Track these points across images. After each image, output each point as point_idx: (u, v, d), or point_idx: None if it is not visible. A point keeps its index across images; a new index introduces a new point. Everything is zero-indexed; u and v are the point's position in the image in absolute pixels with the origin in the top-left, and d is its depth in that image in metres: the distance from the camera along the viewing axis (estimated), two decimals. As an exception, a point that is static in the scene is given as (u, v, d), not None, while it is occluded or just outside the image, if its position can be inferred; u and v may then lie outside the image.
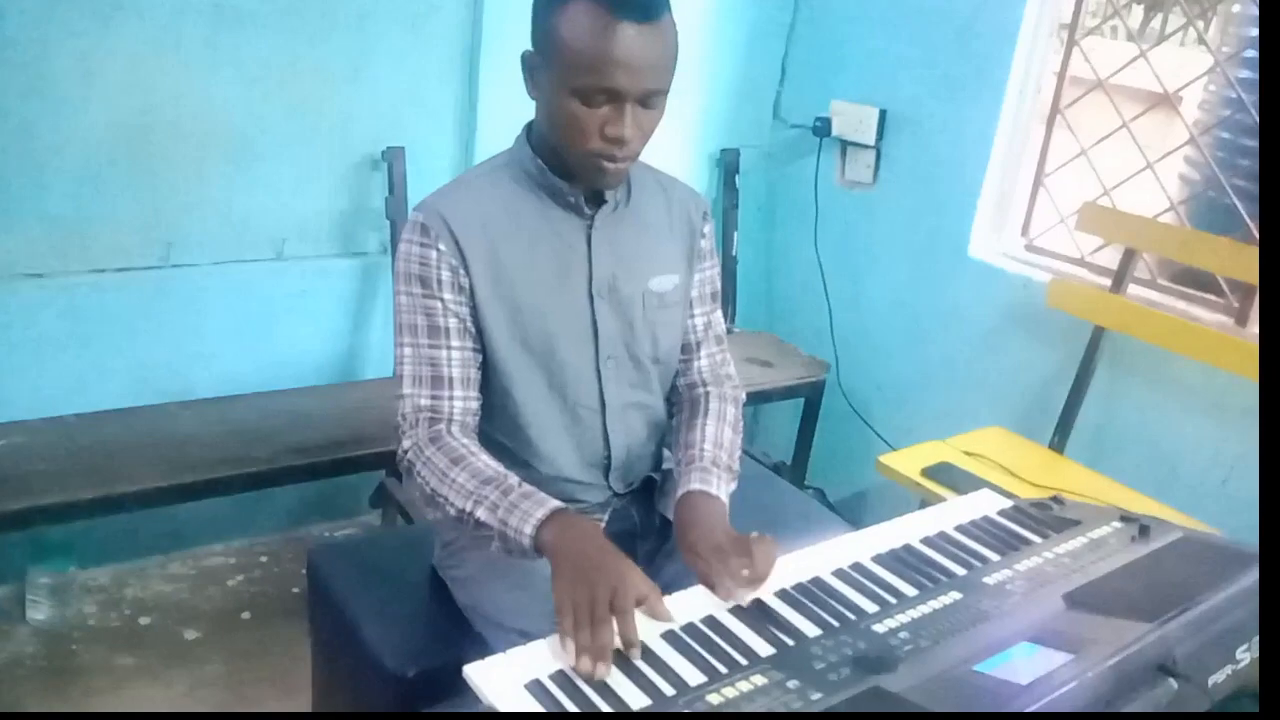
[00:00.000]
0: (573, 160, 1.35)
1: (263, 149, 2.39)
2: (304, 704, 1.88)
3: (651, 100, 1.31)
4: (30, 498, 1.92)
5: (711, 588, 1.22)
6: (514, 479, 1.31)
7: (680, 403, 1.60)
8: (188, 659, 2.24)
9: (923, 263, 2.81)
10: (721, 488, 1.43)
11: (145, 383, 2.34)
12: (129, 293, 2.32)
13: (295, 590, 2.50)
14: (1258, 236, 2.26)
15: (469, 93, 2.60)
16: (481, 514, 1.27)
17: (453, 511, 1.30)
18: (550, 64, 1.29)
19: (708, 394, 1.57)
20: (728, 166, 3.07)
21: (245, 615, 2.42)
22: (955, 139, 2.69)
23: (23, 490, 1.92)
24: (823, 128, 2.95)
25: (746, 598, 1.21)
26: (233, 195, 2.39)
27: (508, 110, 2.53)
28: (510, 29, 2.52)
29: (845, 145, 2.95)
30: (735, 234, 3.08)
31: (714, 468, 1.45)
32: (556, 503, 1.27)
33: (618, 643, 1.08)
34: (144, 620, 2.36)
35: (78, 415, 2.18)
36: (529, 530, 1.23)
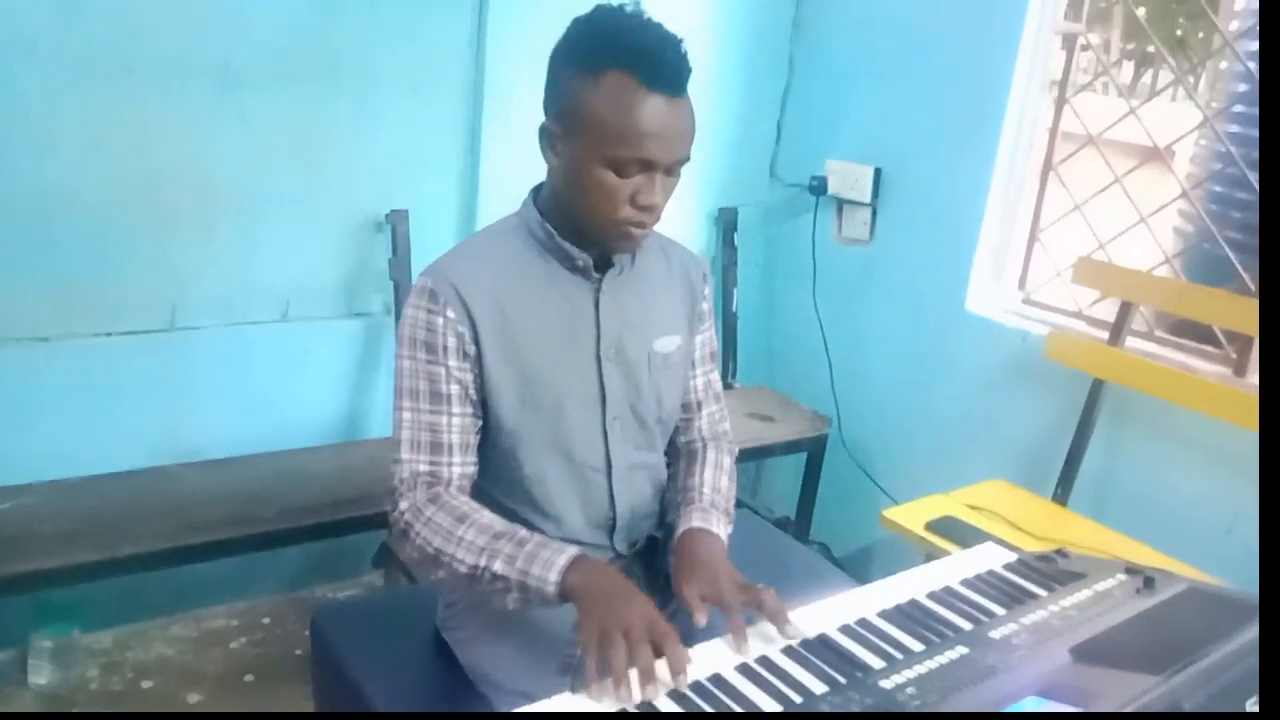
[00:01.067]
0: (597, 227, 1.36)
1: (268, 211, 2.43)
2: (307, 768, 1.87)
3: (676, 168, 1.35)
4: (34, 561, 1.91)
5: (694, 619, 1.25)
6: (524, 531, 1.32)
7: (676, 456, 1.63)
8: (189, 724, 2.23)
9: (921, 317, 2.83)
10: (720, 528, 1.45)
11: (150, 444, 2.35)
12: (134, 355, 2.33)
13: (298, 652, 2.48)
14: (1253, 288, 2.28)
15: (472, 155, 2.65)
16: (498, 567, 1.28)
17: (463, 569, 1.30)
18: (578, 135, 1.31)
19: (704, 446, 1.61)
20: (726, 225, 3.12)
21: (248, 678, 2.40)
22: (950, 195, 2.73)
23: (26, 554, 1.92)
24: (819, 186, 2.99)
25: (751, 648, 1.22)
26: (238, 256, 2.42)
27: (510, 173, 2.59)
28: (512, 93, 2.59)
29: (841, 203, 3.00)
30: (735, 291, 3.11)
31: (712, 509, 1.48)
32: (575, 548, 1.29)
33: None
34: (146, 684, 2.34)
35: (82, 478, 2.18)
36: (554, 577, 1.24)
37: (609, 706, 1.08)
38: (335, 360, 2.64)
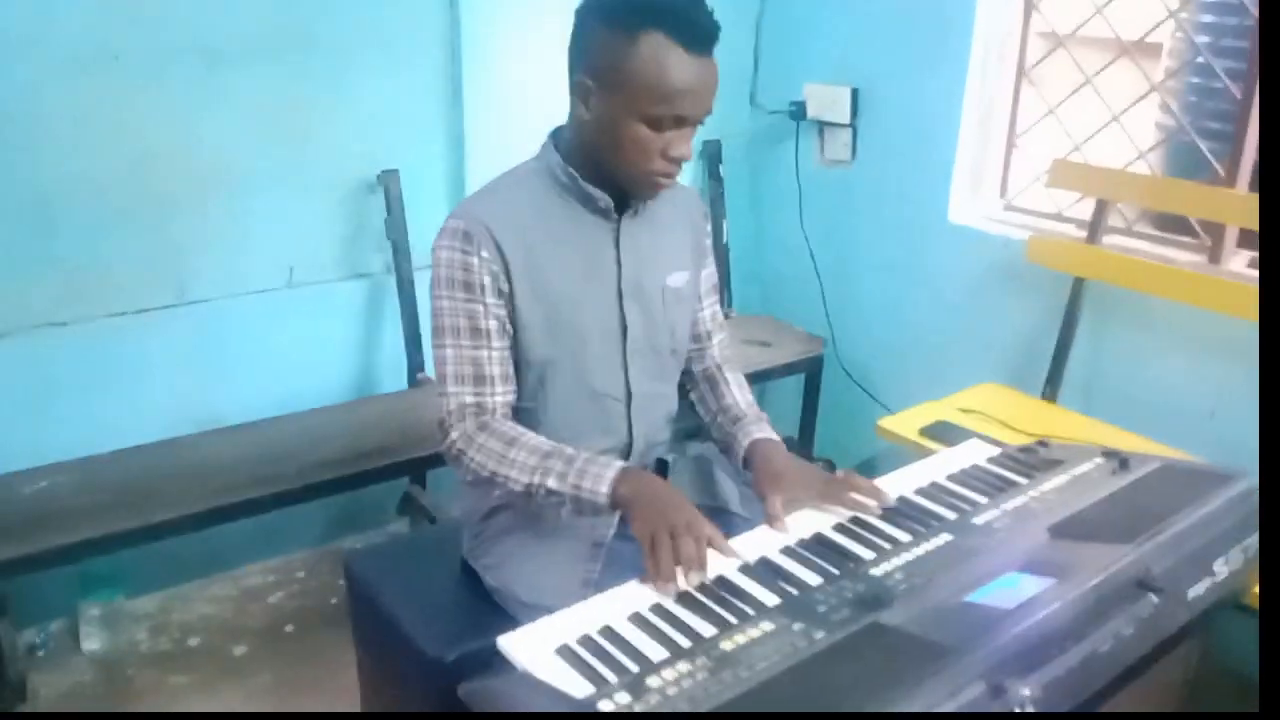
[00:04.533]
0: (629, 178, 1.45)
1: (263, 182, 2.50)
2: (352, 703, 1.98)
3: (703, 120, 1.43)
4: (75, 533, 2.03)
5: (772, 522, 1.40)
6: (570, 449, 1.43)
7: (696, 383, 1.75)
8: (238, 673, 2.35)
9: (906, 232, 2.90)
10: (776, 436, 1.61)
11: (172, 416, 2.45)
12: (148, 332, 2.43)
13: (334, 601, 2.60)
14: (1224, 176, 2.34)
15: (455, 111, 2.70)
16: (552, 483, 1.40)
17: (518, 487, 1.42)
18: (614, 92, 1.38)
19: (721, 370, 1.74)
20: (711, 158, 3.17)
21: (289, 628, 2.52)
22: (927, 109, 2.78)
23: (68, 527, 2.03)
24: (798, 111, 3.04)
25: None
26: (238, 229, 2.50)
27: (494, 125, 2.66)
28: (489, 47, 2.63)
29: (822, 126, 3.04)
30: (725, 222, 3.17)
31: (762, 420, 1.64)
32: (621, 462, 1.42)
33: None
34: (193, 641, 2.47)
35: (110, 452, 2.28)
36: (605, 489, 1.38)
37: (669, 592, 1.23)
38: (342, 321, 2.73)
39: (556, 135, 1.54)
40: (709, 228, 1.72)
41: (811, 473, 1.51)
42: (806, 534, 1.38)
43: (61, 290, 2.30)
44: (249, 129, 2.45)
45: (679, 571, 1.25)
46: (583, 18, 1.43)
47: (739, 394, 1.71)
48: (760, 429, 1.62)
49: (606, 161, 1.45)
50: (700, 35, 1.37)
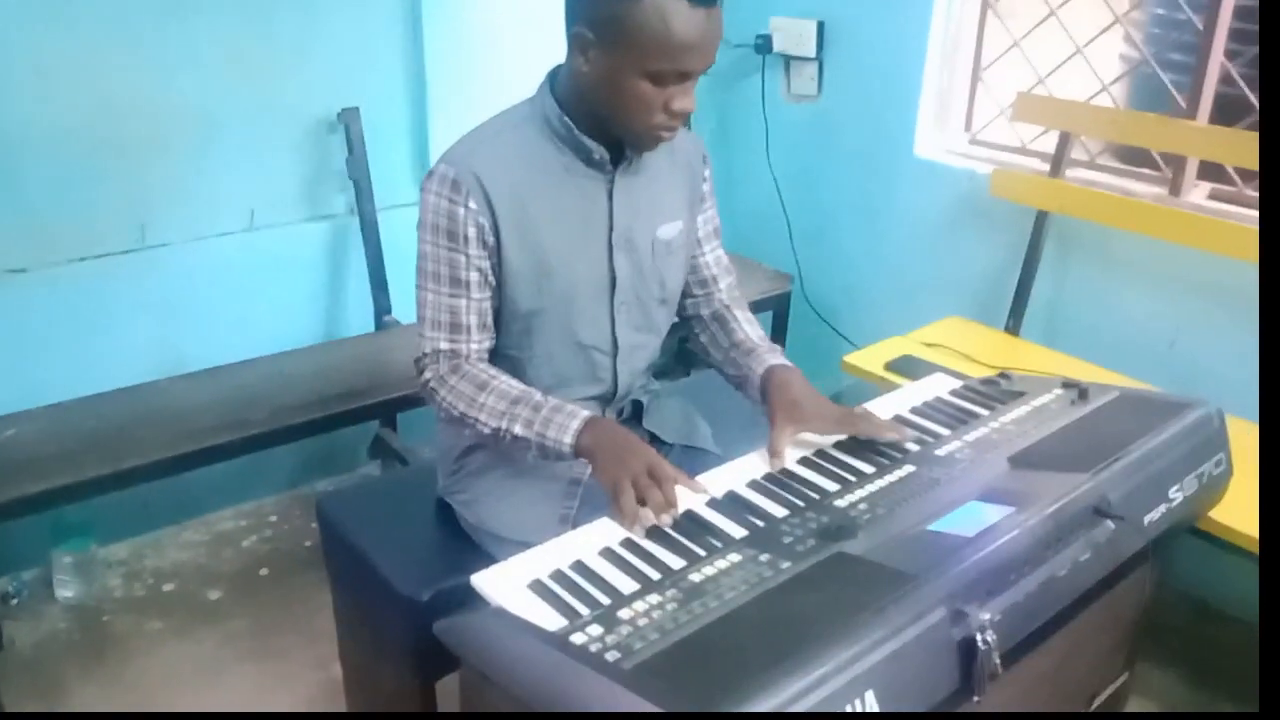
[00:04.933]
0: (630, 132, 1.42)
1: (223, 124, 2.46)
2: (329, 645, 2.01)
3: (707, 70, 1.40)
4: (45, 481, 2.01)
5: (775, 454, 1.43)
6: (538, 395, 1.45)
7: (706, 325, 1.73)
8: (214, 617, 2.37)
9: (872, 167, 2.90)
10: (791, 365, 1.60)
11: (138, 361, 2.43)
12: (111, 277, 2.40)
13: (307, 544, 2.61)
14: (1185, 108, 2.35)
15: (415, 47, 2.65)
16: (518, 429, 1.41)
17: (486, 431, 1.44)
18: (617, 47, 1.34)
19: (730, 309, 1.73)
20: (677, 93, 3.13)
21: (263, 572, 2.54)
22: (892, 42, 2.76)
23: (38, 475, 2.02)
24: (764, 45, 3.01)
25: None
26: (200, 172, 2.46)
27: (455, 61, 2.62)
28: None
29: (788, 60, 3.02)
30: (691, 158, 3.15)
31: (776, 349, 1.64)
32: (586, 412, 1.42)
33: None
34: (167, 587, 2.48)
35: (78, 399, 2.26)
36: (568, 439, 1.39)
37: (637, 534, 1.26)
38: (306, 264, 2.70)
39: (553, 79, 1.50)
40: (708, 171, 1.68)
41: (827, 403, 1.51)
42: (773, 467, 1.41)
43: (22, 237, 2.27)
44: (207, 71, 2.40)
45: (648, 514, 1.27)
46: None
47: (750, 329, 1.69)
48: (775, 357, 1.61)
49: (605, 115, 1.42)
50: None
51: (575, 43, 1.40)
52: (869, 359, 2.33)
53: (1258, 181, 2.30)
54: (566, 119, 1.46)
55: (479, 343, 1.50)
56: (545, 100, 1.48)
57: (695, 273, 1.70)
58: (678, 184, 1.62)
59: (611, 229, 1.53)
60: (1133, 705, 1.87)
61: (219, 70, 2.41)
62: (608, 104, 1.40)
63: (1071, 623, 1.26)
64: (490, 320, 1.51)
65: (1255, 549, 1.71)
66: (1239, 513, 1.70)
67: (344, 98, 2.59)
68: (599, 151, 1.48)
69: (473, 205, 1.43)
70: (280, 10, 2.45)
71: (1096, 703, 1.61)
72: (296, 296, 2.70)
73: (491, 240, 1.46)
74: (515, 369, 1.55)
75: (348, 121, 2.59)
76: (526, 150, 1.48)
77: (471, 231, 1.44)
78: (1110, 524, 1.27)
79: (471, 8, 2.59)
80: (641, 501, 1.28)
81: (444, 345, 1.48)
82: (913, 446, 1.44)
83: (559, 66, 1.48)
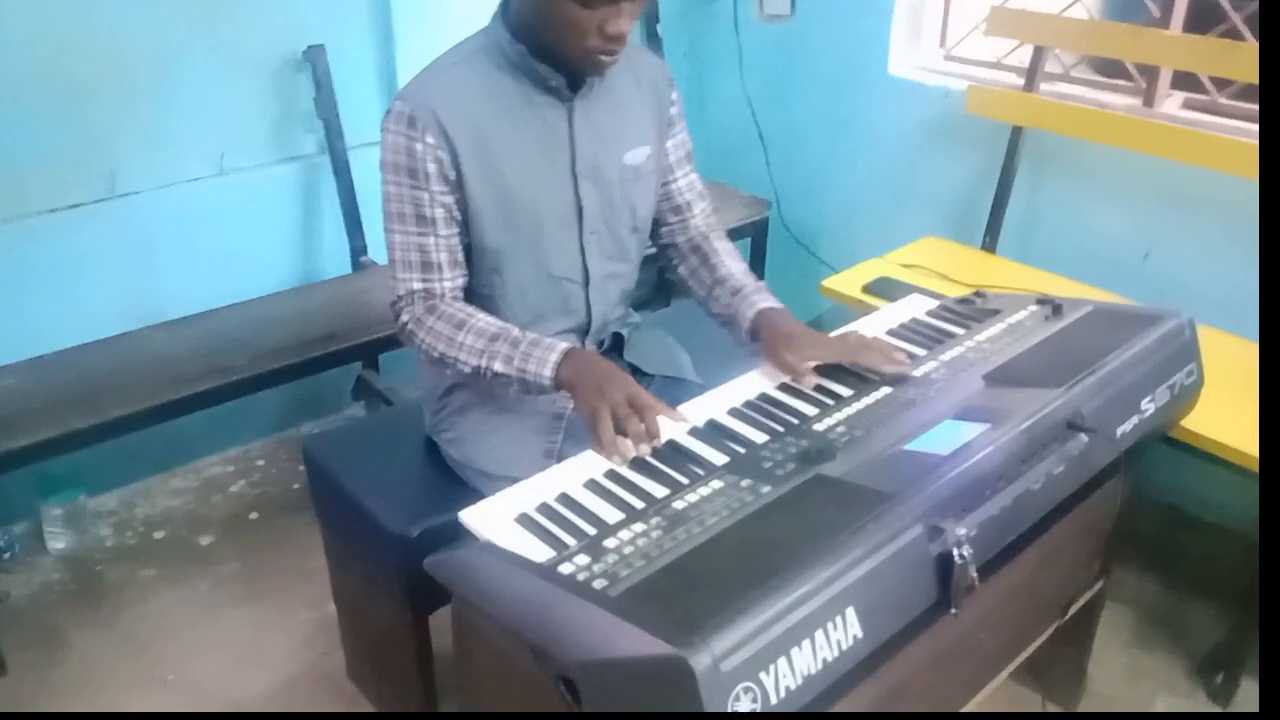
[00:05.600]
0: (568, 58, 1.41)
1: (185, 66, 2.41)
2: (321, 585, 2.04)
3: None
4: (30, 434, 2.01)
5: (799, 376, 1.44)
6: (516, 330, 1.45)
7: (684, 255, 1.72)
8: (207, 562, 2.39)
9: (846, 87, 2.87)
10: (779, 304, 1.59)
11: (116, 311, 2.41)
12: (82, 227, 2.37)
13: (295, 486, 2.63)
14: (1158, 16, 2.33)
15: (378, -20, 2.60)
16: (499, 366, 1.42)
17: (467, 369, 1.45)
18: None
19: (708, 239, 1.70)
20: (649, 16, 3.08)
21: (253, 515, 2.56)
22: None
23: (22, 428, 2.02)
24: (735, -35, 2.96)
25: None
26: (165, 117, 2.42)
27: (419, -3, 2.56)
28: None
29: (760, -22, 2.98)
30: (664, 85, 3.11)
31: (761, 288, 1.62)
32: (565, 344, 1.42)
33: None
34: (158, 534, 2.50)
35: (57, 352, 2.25)
36: (549, 373, 1.39)
37: (617, 464, 1.27)
38: (278, 206, 2.67)
39: (505, 8, 1.48)
40: (675, 95, 1.66)
41: (822, 334, 1.52)
42: (753, 394, 1.42)
43: (-11, 190, 2.24)
44: (166, 11, 2.34)
45: (627, 444, 1.28)
46: None
47: (733, 264, 1.67)
48: (764, 298, 1.59)
49: (546, 40, 1.41)
50: None
51: None
52: (846, 282, 2.34)
53: (1231, 90, 2.30)
54: (520, 46, 1.44)
55: (452, 280, 1.50)
56: (498, 29, 1.47)
57: (668, 199, 1.69)
58: (643, 109, 1.60)
59: (575, 157, 1.52)
60: (1108, 610, 1.93)
61: (178, 13, 2.36)
62: (544, 30, 1.39)
63: (1045, 534, 1.29)
64: (461, 257, 1.51)
65: (1228, 455, 1.75)
66: (1212, 421, 1.73)
67: (309, 35, 2.54)
68: (555, 78, 1.46)
69: (430, 140, 1.42)
70: (237, -55, 2.39)
71: (1072, 610, 1.66)
72: (271, 240, 2.68)
73: (453, 175, 1.45)
74: (488, 307, 1.54)
75: (314, 60, 2.54)
76: (482, 81, 1.46)
77: (432, 167, 1.43)
78: (1083, 437, 1.29)
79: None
80: (622, 432, 1.29)
81: (417, 285, 1.48)
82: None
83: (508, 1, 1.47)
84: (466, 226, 1.49)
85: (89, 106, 2.31)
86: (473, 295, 1.55)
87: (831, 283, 2.36)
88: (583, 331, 1.64)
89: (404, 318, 1.50)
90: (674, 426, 1.34)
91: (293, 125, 2.62)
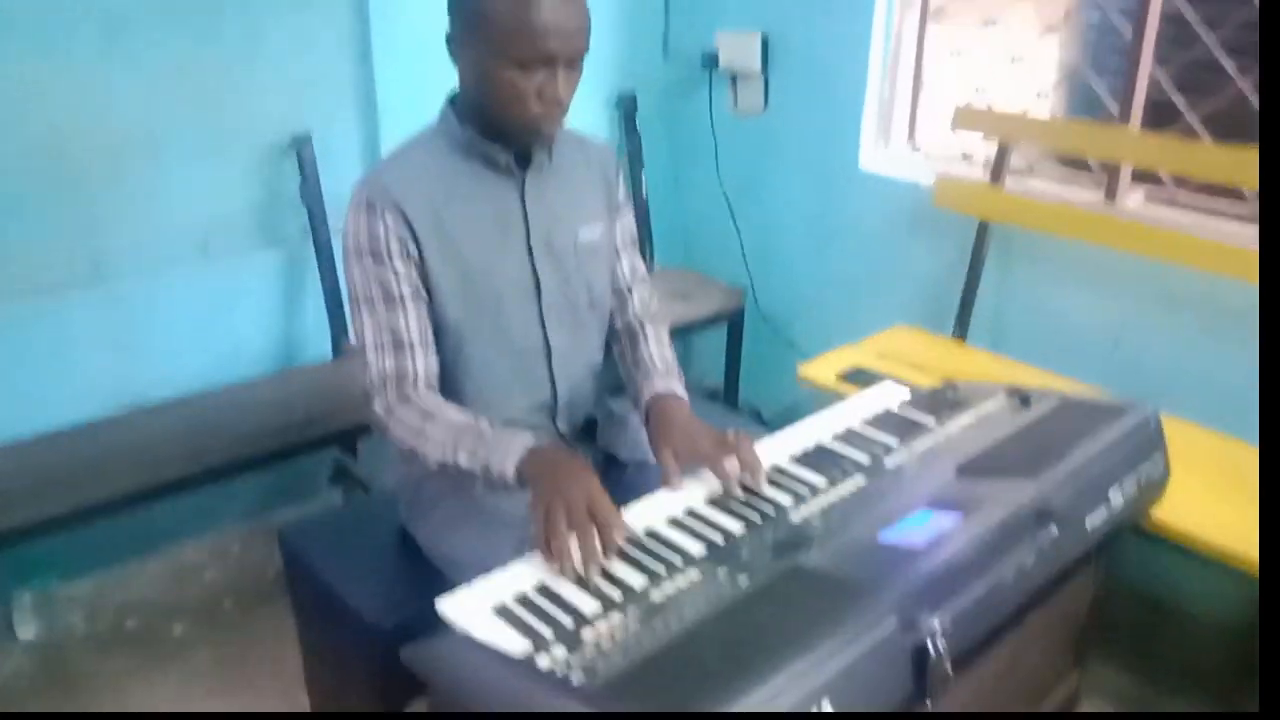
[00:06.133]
0: (511, 125, 1.46)
1: (173, 151, 2.45)
2: (295, 677, 2.01)
3: (577, 62, 1.44)
4: (4, 519, 2.01)
5: (670, 486, 1.43)
6: (484, 423, 1.45)
7: (618, 337, 1.76)
8: (178, 653, 2.35)
9: (819, 180, 2.95)
10: (682, 391, 1.62)
11: (97, 395, 2.41)
12: (65, 310, 2.37)
13: (270, 574, 2.60)
14: (1117, 115, 2.42)
15: (365, 70, 2.66)
16: (463, 460, 1.42)
17: (433, 463, 1.45)
18: (479, 40, 1.40)
19: (643, 325, 1.74)
20: (627, 111, 3.17)
21: (226, 604, 2.53)
22: (835, 54, 2.82)
23: (-3, 514, 2.01)
24: (711, 60, 3.06)
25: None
26: (152, 201, 2.45)
27: (406, 84, 2.64)
28: (396, 6, 2.60)
29: (735, 76, 3.07)
30: (643, 175, 3.19)
31: (669, 376, 1.65)
32: (529, 436, 1.42)
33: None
34: (130, 623, 2.46)
35: (36, 435, 2.25)
36: (511, 466, 1.38)
37: (565, 577, 1.23)
38: (261, 291, 2.70)
39: (453, 99, 1.55)
40: (622, 181, 1.72)
41: (701, 433, 1.49)
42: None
43: (-28, 273, 2.25)
44: (154, 96, 2.39)
45: (576, 558, 1.24)
46: None
47: (654, 348, 1.71)
48: (664, 383, 1.62)
49: (489, 112, 1.46)
50: None
51: (451, 45, 1.46)
52: (822, 370, 2.38)
53: (1192, 185, 2.38)
54: (469, 129, 1.50)
55: (424, 360, 1.52)
56: (448, 118, 1.53)
57: (613, 281, 1.73)
58: (593, 188, 1.66)
59: (529, 231, 1.56)
60: (1085, 704, 1.92)
61: (167, 95, 2.40)
62: (486, 99, 1.45)
63: (1020, 626, 1.31)
64: (431, 337, 1.53)
65: (1197, 548, 1.77)
66: (1183, 513, 1.76)
67: (296, 124, 2.59)
68: (504, 156, 1.52)
69: (389, 221, 1.46)
70: (229, 38, 2.45)
71: (1046, 702, 1.66)
72: (253, 324, 2.70)
73: (414, 252, 1.48)
74: (453, 383, 1.56)
75: (300, 148, 2.60)
76: (436, 164, 1.52)
77: (395, 246, 1.47)
78: (1054, 528, 1.31)
79: (421, 33, 2.60)
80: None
81: (389, 366, 1.50)
82: (864, 458, 1.47)
83: (456, 89, 1.54)
84: (430, 303, 1.52)
85: (78, 189, 2.34)
86: (444, 370, 1.57)
87: (808, 370, 2.40)
88: (549, 408, 1.66)
89: (376, 405, 1.51)
90: (653, 514, 1.35)
91: (277, 211, 2.66)
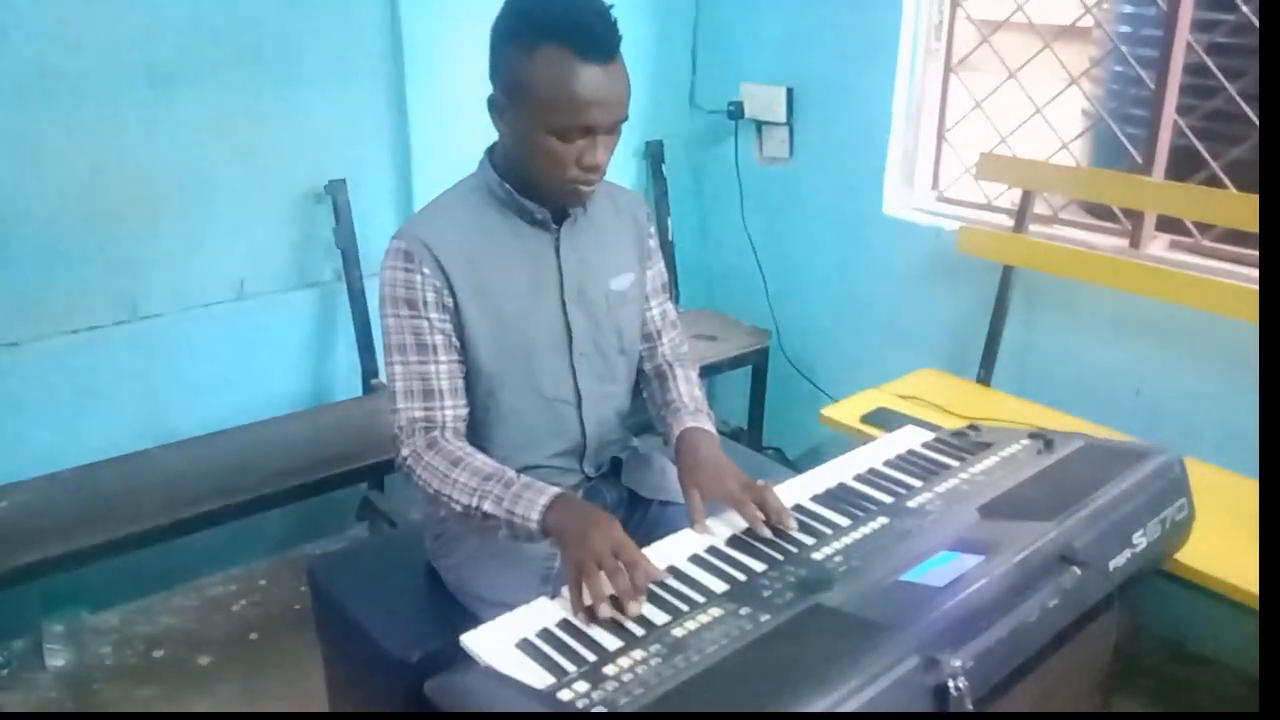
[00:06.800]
0: (550, 189, 1.49)
1: (212, 196, 2.52)
2: (320, 708, 2.02)
3: (616, 128, 1.46)
4: (38, 551, 2.04)
5: (694, 526, 1.44)
6: (511, 473, 1.46)
7: (649, 380, 1.78)
8: (205, 683, 2.38)
9: (843, 225, 2.99)
10: (711, 427, 1.64)
11: (130, 431, 2.47)
12: (103, 348, 2.44)
13: (297, 607, 2.63)
14: (1140, 162, 2.44)
15: (400, 119, 2.74)
16: (488, 507, 1.43)
17: (458, 508, 1.46)
18: (522, 106, 1.42)
19: (672, 366, 1.77)
20: (654, 158, 3.23)
21: (253, 636, 2.55)
22: (860, 105, 2.86)
23: (30, 544, 2.05)
24: (736, 111, 3.12)
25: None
26: (189, 244, 2.52)
27: (438, 132, 2.71)
28: (431, 57, 2.68)
29: (760, 125, 3.12)
30: (669, 220, 3.24)
31: (699, 413, 1.66)
32: (555, 489, 1.43)
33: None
34: (158, 654, 2.49)
35: (71, 469, 2.30)
36: (535, 517, 1.39)
37: (600, 617, 1.23)
38: (294, 331, 2.75)
39: (492, 151, 1.58)
40: (653, 228, 1.75)
41: (728, 472, 1.51)
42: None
43: (14, 311, 2.32)
44: (198, 144, 2.47)
45: (605, 609, 1.23)
46: (493, 35, 1.47)
47: (683, 387, 1.73)
48: (694, 419, 1.64)
49: (528, 174, 1.49)
50: (599, 44, 1.38)
51: (492, 108, 1.49)
52: (845, 412, 2.39)
53: (1213, 233, 2.39)
54: (506, 184, 1.53)
55: (454, 409, 1.53)
56: (485, 171, 1.56)
57: (642, 326, 1.75)
58: (626, 238, 1.69)
59: (563, 284, 1.59)
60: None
61: (207, 143, 2.48)
62: (525, 162, 1.47)
63: (1041, 668, 1.30)
64: (461, 385, 1.55)
65: (1223, 590, 1.76)
66: (1208, 557, 1.75)
67: (331, 170, 2.66)
68: (540, 211, 1.55)
69: (426, 271, 1.48)
70: (269, 83, 2.53)
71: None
72: (285, 362, 2.75)
73: (450, 302, 1.51)
74: (484, 430, 1.59)
75: (335, 193, 2.66)
76: (473, 217, 1.55)
77: (430, 296, 1.49)
78: (1076, 570, 1.31)
79: (454, 81, 2.68)
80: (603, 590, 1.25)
81: (418, 414, 1.51)
82: (886, 499, 1.48)
83: (497, 141, 1.56)
84: (464, 353, 1.55)
85: (118, 231, 2.41)
86: (470, 420, 1.59)
87: (831, 411, 2.42)
88: (579, 453, 1.68)
89: (404, 451, 1.52)
90: (674, 553, 1.36)
91: (312, 253, 2.72)
